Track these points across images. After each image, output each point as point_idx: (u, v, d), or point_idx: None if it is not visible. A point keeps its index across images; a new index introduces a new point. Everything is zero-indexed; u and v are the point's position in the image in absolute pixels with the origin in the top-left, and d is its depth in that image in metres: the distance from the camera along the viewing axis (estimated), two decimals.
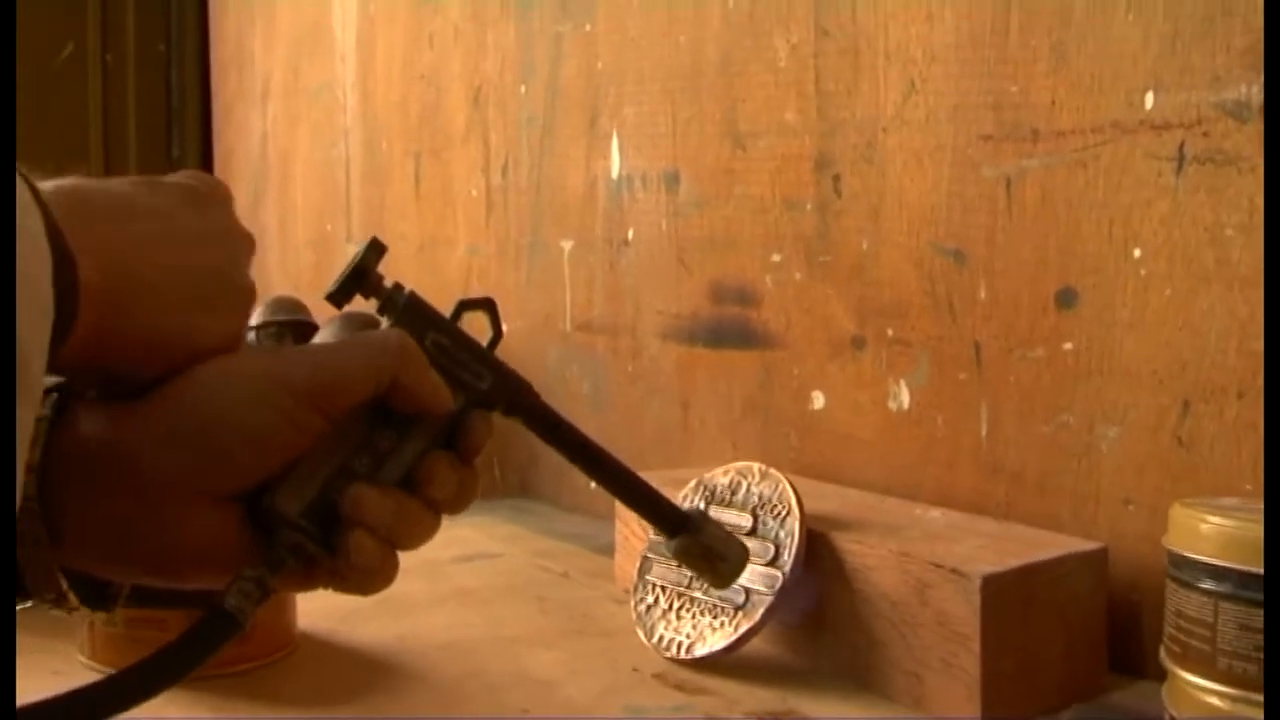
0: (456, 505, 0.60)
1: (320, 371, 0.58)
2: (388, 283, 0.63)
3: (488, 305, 0.67)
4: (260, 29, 2.54)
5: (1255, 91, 0.82)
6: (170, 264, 0.56)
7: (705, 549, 0.67)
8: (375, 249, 0.62)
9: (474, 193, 1.67)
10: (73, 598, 0.59)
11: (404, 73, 1.91)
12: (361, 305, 0.65)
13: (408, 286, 0.62)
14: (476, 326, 0.65)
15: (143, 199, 0.58)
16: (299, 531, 0.55)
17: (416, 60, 1.87)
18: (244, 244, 0.62)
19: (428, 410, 0.59)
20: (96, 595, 0.61)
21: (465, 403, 0.61)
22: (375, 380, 0.58)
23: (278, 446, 0.56)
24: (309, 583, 0.58)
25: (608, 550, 1.19)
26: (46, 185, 0.52)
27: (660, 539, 0.98)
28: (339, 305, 0.63)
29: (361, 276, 0.62)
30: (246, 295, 0.61)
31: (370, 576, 0.57)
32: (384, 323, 0.63)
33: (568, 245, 1.50)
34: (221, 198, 0.63)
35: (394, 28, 1.96)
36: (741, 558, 0.68)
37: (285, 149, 2.43)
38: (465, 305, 0.65)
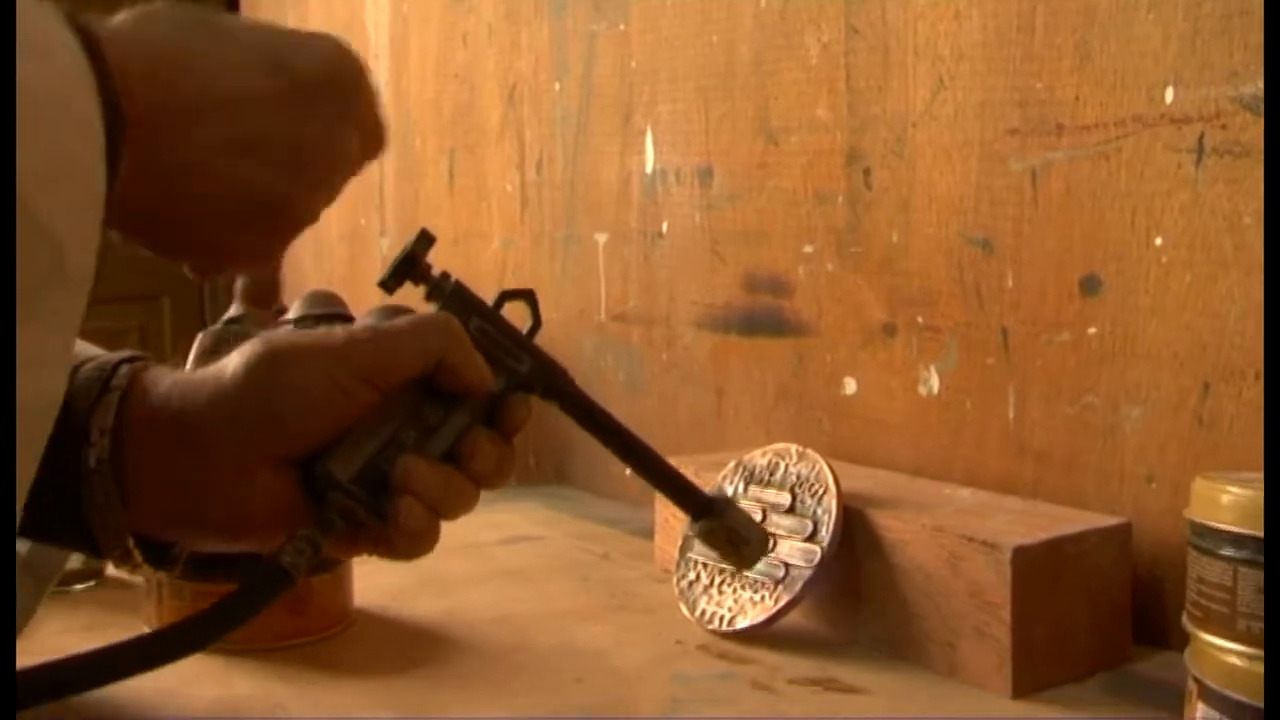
0: (496, 479, 0.65)
1: (374, 348, 0.63)
2: (435, 271, 0.67)
3: (528, 296, 0.71)
4: (292, 27, 2.57)
5: None
6: (214, 177, 0.57)
7: (730, 532, 0.71)
8: (425, 239, 0.67)
9: (509, 188, 1.71)
10: (138, 555, 0.64)
11: (437, 71, 1.96)
12: (409, 293, 0.69)
13: (454, 275, 0.67)
14: (517, 316, 0.69)
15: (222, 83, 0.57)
16: (349, 496, 0.60)
17: (450, 59, 1.91)
18: (321, 163, 0.62)
19: (471, 389, 0.64)
20: (159, 556, 0.66)
21: (506, 384, 0.66)
22: (424, 358, 0.63)
23: (332, 417, 0.61)
24: (356, 547, 0.64)
25: (645, 534, 1.23)
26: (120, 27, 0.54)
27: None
28: (390, 291, 0.68)
29: (412, 264, 0.67)
30: (289, 222, 0.63)
31: (415, 541, 0.62)
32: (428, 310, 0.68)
33: (602, 238, 1.54)
34: (340, 92, 0.61)
35: (427, 27, 2.00)
36: (763, 541, 0.73)
37: None
38: (507, 295, 0.70)
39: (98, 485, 0.61)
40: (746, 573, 0.96)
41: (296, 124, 0.59)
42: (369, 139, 0.64)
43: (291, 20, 2.57)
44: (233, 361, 0.62)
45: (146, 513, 0.63)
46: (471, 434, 0.64)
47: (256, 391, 0.61)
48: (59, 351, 0.48)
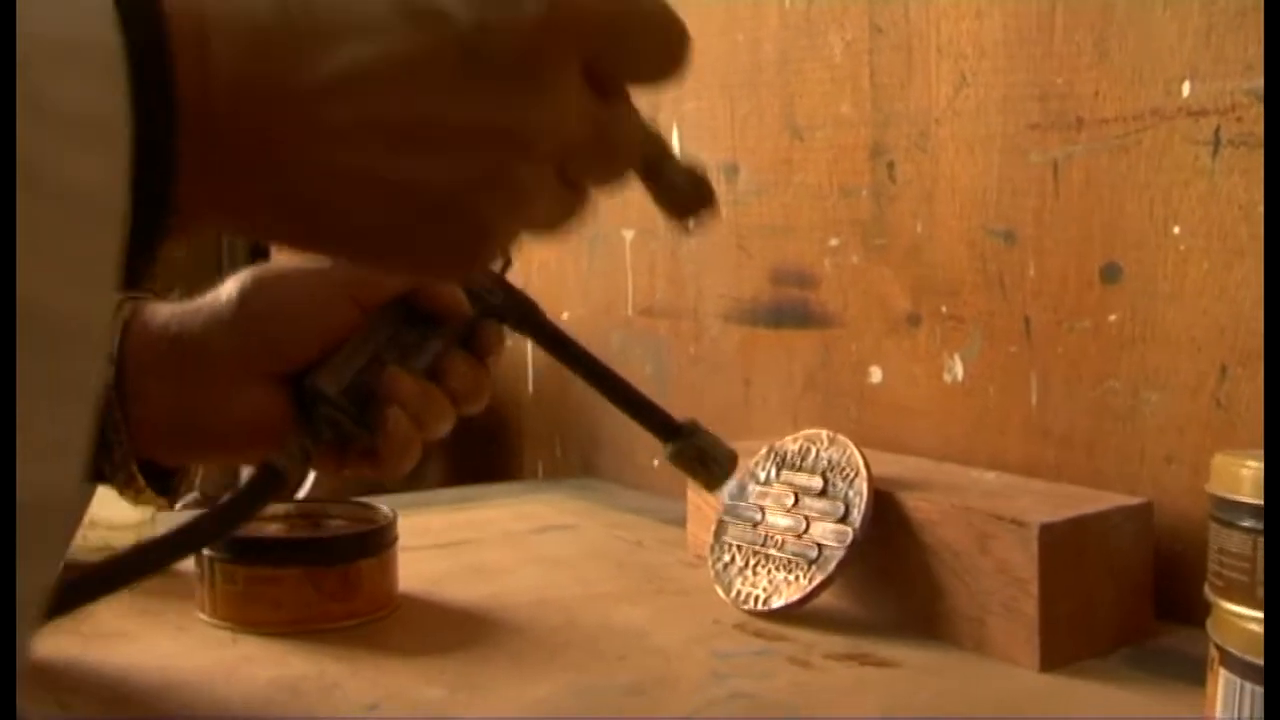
0: (472, 400, 0.70)
1: (346, 273, 0.68)
2: None
3: None
4: None
5: None
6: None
7: (699, 451, 0.75)
8: None
9: None
10: (141, 480, 0.68)
11: None
12: None
13: None
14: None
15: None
16: (336, 408, 0.65)
17: None
18: (502, 149, 0.45)
19: (447, 312, 0.69)
20: (161, 484, 0.70)
21: (479, 311, 0.71)
22: (398, 280, 0.68)
23: (319, 334, 0.67)
24: (344, 461, 0.67)
25: (675, 522, 1.27)
26: None
27: (730, 503, 1.07)
28: None
29: None
30: (475, 234, 0.48)
31: (400, 450, 0.66)
32: None
33: (629, 234, 1.57)
34: (543, 52, 0.45)
35: None
36: (731, 461, 0.76)
37: None
38: None
39: (104, 412, 0.66)
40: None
41: (468, 100, 0.43)
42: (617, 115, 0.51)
43: None
44: (227, 287, 0.67)
45: (149, 435, 0.67)
46: (449, 356, 0.69)
47: (249, 313, 0.66)
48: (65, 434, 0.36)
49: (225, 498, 0.61)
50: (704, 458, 0.76)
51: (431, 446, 0.68)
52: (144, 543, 0.58)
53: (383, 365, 0.66)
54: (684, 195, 0.70)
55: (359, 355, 0.66)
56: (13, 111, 0.33)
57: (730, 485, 1.08)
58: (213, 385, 0.67)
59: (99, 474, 0.68)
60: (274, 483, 0.61)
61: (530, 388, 1.81)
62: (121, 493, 0.70)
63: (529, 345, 1.80)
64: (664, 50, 0.50)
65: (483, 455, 1.92)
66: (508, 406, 1.89)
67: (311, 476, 1.85)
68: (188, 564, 1.02)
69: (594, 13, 0.46)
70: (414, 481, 1.82)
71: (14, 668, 0.34)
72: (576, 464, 1.72)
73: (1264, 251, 0.91)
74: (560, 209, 0.51)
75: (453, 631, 0.98)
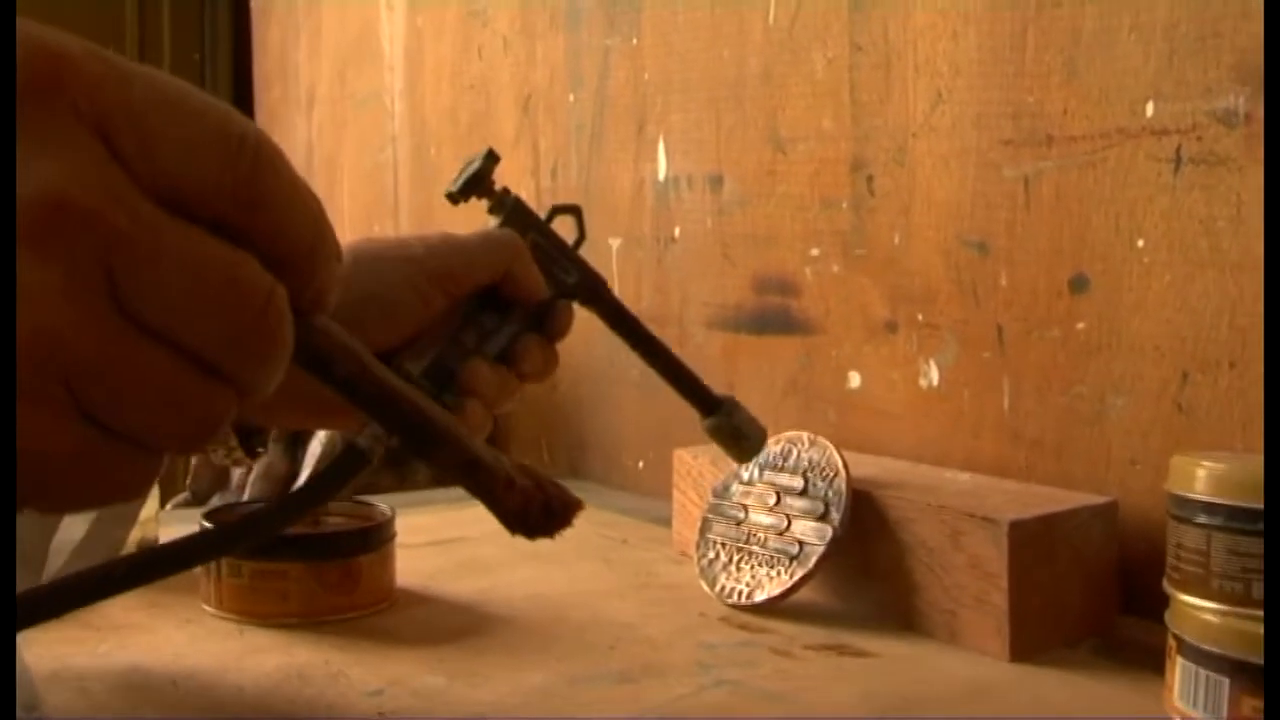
0: (542, 378, 0.76)
1: (450, 260, 0.72)
2: (497, 187, 0.76)
3: (575, 211, 0.81)
4: (305, 40, 2.64)
5: (1242, 101, 0.94)
6: None
7: (734, 428, 0.81)
8: (491, 158, 0.76)
9: (524, 194, 1.79)
10: (233, 439, 0.73)
11: (453, 83, 2.03)
12: (475, 206, 0.77)
13: (514, 192, 0.76)
14: (565, 229, 0.78)
15: None
16: (419, 388, 0.69)
17: (465, 71, 1.99)
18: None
19: (528, 298, 0.73)
20: (249, 441, 0.75)
21: (554, 293, 0.75)
22: (493, 270, 0.73)
23: (409, 318, 0.71)
24: None
25: (660, 521, 1.31)
26: None
27: (715, 501, 1.11)
28: (455, 203, 0.77)
29: (480, 180, 0.76)
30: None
31: (477, 431, 0.71)
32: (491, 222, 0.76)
33: (616, 243, 1.62)
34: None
35: (442, 40, 2.07)
36: (761, 437, 0.82)
37: (331, 155, 2.55)
38: (557, 210, 0.80)
39: None
40: (762, 550, 1.04)
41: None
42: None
43: (305, 34, 2.65)
44: None
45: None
46: (523, 339, 0.73)
47: (347, 295, 0.70)
48: None
49: (312, 477, 0.63)
50: (738, 433, 0.82)
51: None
52: (238, 518, 0.59)
53: (462, 349, 0.71)
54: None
55: (441, 338, 0.71)
56: (12, 110, 0.35)
57: (715, 482, 1.13)
58: None
59: None
60: (358, 461, 0.64)
61: None
62: (213, 452, 0.74)
63: None
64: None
65: None
66: None
67: (304, 475, 1.90)
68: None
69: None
70: (404, 482, 1.86)
71: (14, 667, 0.35)
72: (564, 466, 1.76)
73: (1264, 257, 0.96)
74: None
75: (449, 623, 1.02)
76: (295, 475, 1.94)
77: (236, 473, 2.13)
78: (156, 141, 0.38)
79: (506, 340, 0.73)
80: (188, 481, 2.12)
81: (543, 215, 0.80)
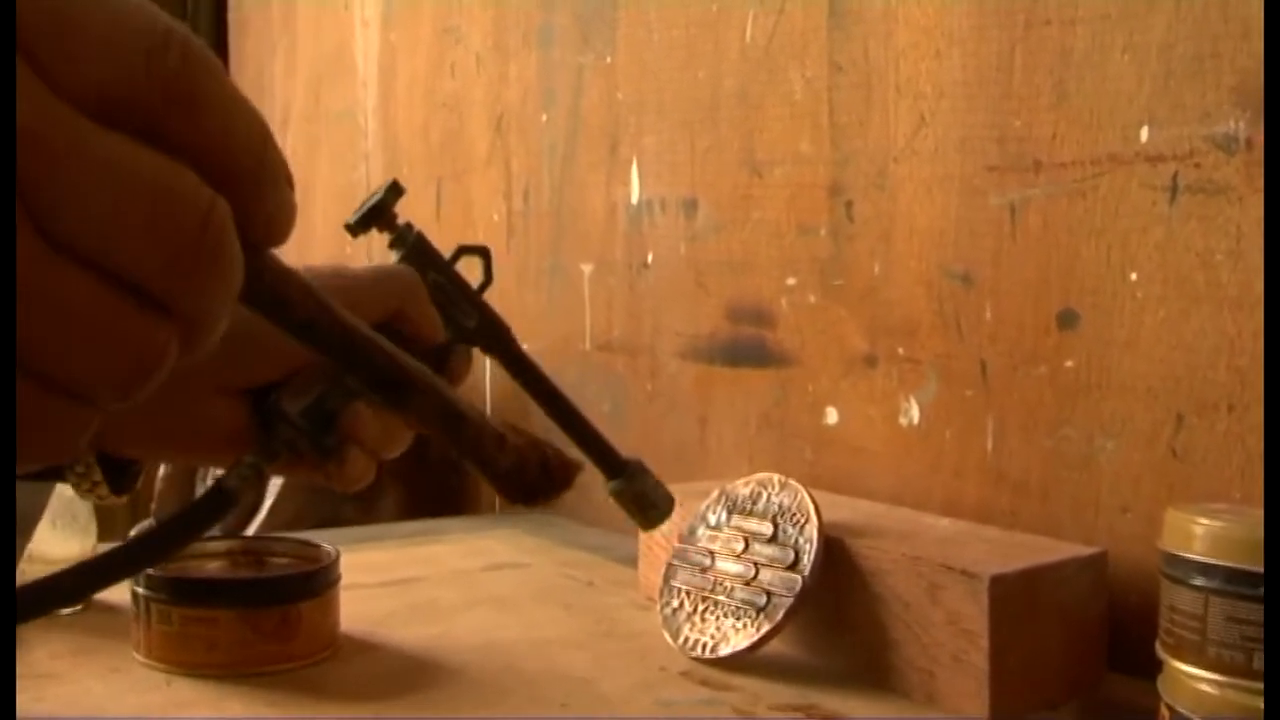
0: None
1: (334, 293, 0.66)
2: (400, 221, 0.70)
3: (482, 252, 0.75)
4: (281, 57, 2.60)
5: (1243, 126, 0.88)
6: None
7: (638, 494, 0.74)
8: (394, 190, 0.71)
9: (495, 217, 1.73)
10: (99, 473, 0.68)
11: (426, 100, 1.98)
12: (374, 239, 0.72)
13: (416, 227, 0.70)
14: (470, 271, 0.72)
15: None
16: (295, 429, 0.63)
17: (438, 88, 1.93)
18: None
19: (422, 339, 0.67)
20: (117, 478, 0.70)
21: (452, 337, 0.69)
22: (384, 308, 0.67)
23: (286, 355, 0.65)
24: (296, 472, 0.66)
25: (628, 561, 1.25)
26: None
27: (680, 546, 1.05)
28: (355, 235, 0.71)
29: (380, 213, 0.70)
30: None
31: (354, 483, 0.65)
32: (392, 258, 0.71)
33: (588, 268, 1.56)
34: None
35: (415, 57, 2.02)
36: (668, 506, 0.75)
37: (305, 174, 2.49)
38: (463, 250, 0.74)
39: None
40: (728, 600, 0.98)
41: None
42: None
43: (280, 50, 2.60)
44: None
45: (106, 432, 0.65)
46: None
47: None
48: None
49: (172, 515, 0.59)
50: (642, 501, 0.75)
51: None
52: (83, 562, 0.57)
53: (345, 390, 0.65)
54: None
55: (324, 377, 0.65)
56: (13, 111, 0.32)
57: (681, 526, 1.07)
58: (175, 393, 0.65)
59: (56, 470, 0.67)
60: (223, 503, 0.60)
61: None
62: (76, 486, 0.69)
63: (487, 376, 1.78)
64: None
65: (441, 486, 1.90)
66: None
67: (268, 505, 1.84)
68: (127, 601, 1.00)
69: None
70: (370, 514, 1.80)
71: (13, 667, 0.35)
72: None
73: (1264, 291, 0.90)
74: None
75: (392, 676, 0.96)
76: (259, 506, 1.89)
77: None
78: (72, 41, 0.33)
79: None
80: (153, 507, 2.07)
81: (447, 255, 0.74)
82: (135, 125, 0.34)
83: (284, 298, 0.44)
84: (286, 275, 0.44)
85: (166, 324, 0.36)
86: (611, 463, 0.75)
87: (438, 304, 0.69)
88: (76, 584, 0.56)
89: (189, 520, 0.59)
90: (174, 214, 0.35)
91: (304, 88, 2.50)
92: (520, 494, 0.53)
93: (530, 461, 0.52)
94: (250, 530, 1.72)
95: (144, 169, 0.34)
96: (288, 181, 0.40)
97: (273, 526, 1.72)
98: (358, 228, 0.71)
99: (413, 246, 0.71)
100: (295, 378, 0.65)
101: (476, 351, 0.73)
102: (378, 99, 2.16)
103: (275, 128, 2.58)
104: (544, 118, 1.65)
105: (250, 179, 0.38)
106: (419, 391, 0.49)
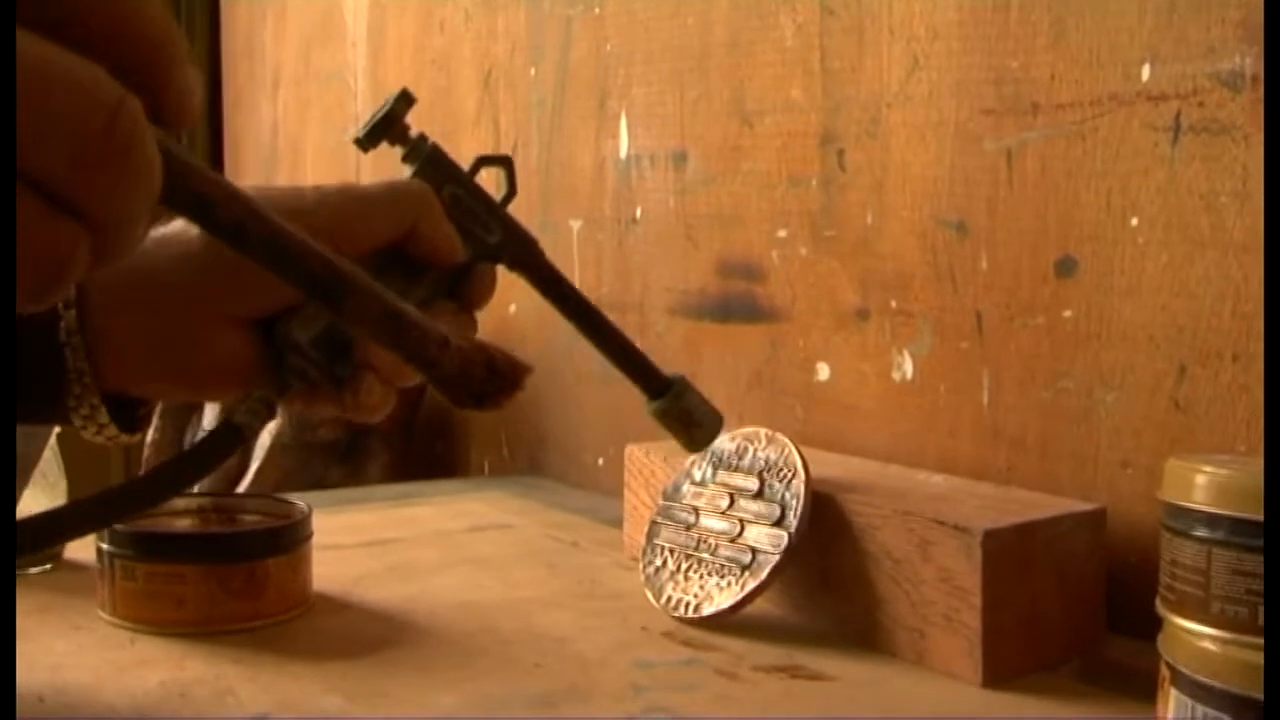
0: None
1: (344, 211, 0.62)
2: (413, 133, 0.66)
3: (505, 162, 0.70)
4: (271, 19, 2.56)
5: (1249, 62, 0.84)
6: None
7: (684, 413, 0.70)
8: (405, 99, 0.66)
9: (484, 174, 1.69)
10: (104, 414, 0.65)
11: (415, 58, 1.94)
12: (386, 152, 0.67)
13: (431, 138, 0.65)
14: (492, 183, 0.68)
15: None
16: (306, 359, 0.60)
17: (427, 46, 1.89)
18: None
19: (439, 260, 0.63)
20: (126, 419, 0.66)
21: (473, 255, 0.65)
22: (397, 226, 0.63)
23: None
24: (312, 407, 0.63)
25: (616, 523, 1.21)
26: None
27: (664, 504, 1.01)
28: (365, 149, 0.66)
29: (391, 124, 0.65)
30: None
31: (371, 413, 0.62)
32: (406, 171, 0.66)
33: (576, 225, 1.52)
34: None
35: (404, 14, 1.98)
36: (716, 425, 0.71)
37: (296, 135, 2.46)
38: (484, 161, 0.69)
39: (70, 357, 0.62)
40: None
41: None
42: None
43: (270, 13, 2.56)
44: None
45: (114, 370, 0.63)
46: (434, 307, 0.63)
47: (221, 250, 0.61)
48: None
49: (182, 452, 0.57)
50: (688, 418, 0.71)
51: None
52: (89, 497, 0.54)
53: None
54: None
55: None
56: (13, 112, 0.32)
57: (666, 483, 1.03)
58: (181, 324, 0.62)
59: (64, 415, 0.64)
60: (233, 439, 0.58)
61: None
62: (83, 429, 0.66)
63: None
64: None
65: (429, 452, 1.86)
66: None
67: (254, 468, 1.80)
68: (89, 557, 0.97)
69: None
70: (357, 478, 1.77)
71: (13, 666, 0.36)
72: (523, 462, 1.67)
73: (1264, 246, 0.86)
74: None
75: (364, 635, 0.93)
76: (245, 467, 1.86)
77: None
78: None
79: (413, 305, 0.63)
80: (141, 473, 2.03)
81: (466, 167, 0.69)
82: (37, 18, 0.33)
83: (208, 199, 0.42)
84: (210, 177, 0.42)
85: (74, 226, 0.34)
86: (654, 381, 0.71)
87: (456, 220, 0.65)
88: (82, 517, 0.54)
89: (198, 456, 0.56)
90: (79, 110, 0.33)
91: (294, 51, 2.46)
92: (467, 396, 0.51)
93: (476, 363, 0.50)
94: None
95: (48, 65, 0.33)
96: (192, 65, 0.38)
97: (259, 489, 1.69)
98: (367, 141, 0.66)
99: (428, 158, 0.66)
100: (306, 305, 0.61)
101: (501, 271, 0.69)
102: (367, 60, 2.12)
103: (266, 91, 2.55)
104: (532, 72, 1.60)
105: (153, 59, 0.36)
106: (356, 293, 0.46)
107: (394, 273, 0.63)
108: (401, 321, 0.48)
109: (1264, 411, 0.84)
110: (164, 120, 0.37)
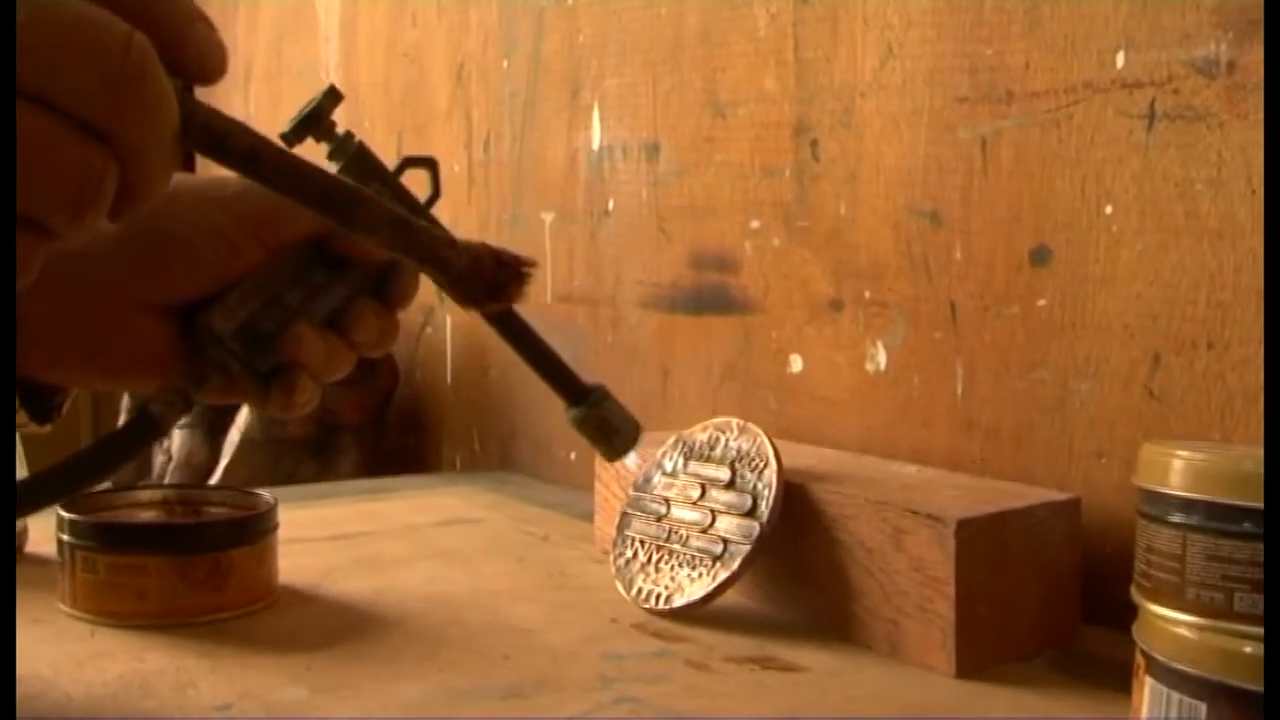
0: (376, 350, 0.65)
1: (268, 203, 0.61)
2: (339, 130, 0.64)
3: (429, 164, 0.69)
4: (243, 12, 2.54)
5: (1224, 49, 0.84)
6: None
7: (602, 421, 0.68)
8: (332, 95, 0.64)
9: (456, 168, 1.68)
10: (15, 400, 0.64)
11: (387, 52, 1.92)
12: (312, 149, 0.65)
13: (358, 136, 0.64)
14: (418, 184, 0.66)
15: None
16: (227, 351, 0.59)
17: (399, 39, 1.88)
18: None
19: (362, 256, 0.62)
20: (41, 409, 0.66)
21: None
22: (313, 222, 0.61)
23: (215, 269, 0.60)
24: (229, 397, 0.62)
25: (587, 517, 1.20)
26: None
27: (635, 494, 1.00)
28: (291, 144, 0.64)
29: (317, 120, 0.64)
30: None
31: (298, 409, 0.61)
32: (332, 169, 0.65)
33: (549, 218, 1.51)
34: None
35: (377, 8, 1.96)
36: (634, 434, 0.70)
37: (268, 130, 2.42)
38: (409, 162, 0.68)
39: None
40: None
41: None
42: None
43: (243, 6, 2.54)
44: None
45: (23, 353, 0.61)
46: (357, 304, 0.63)
47: (139, 235, 0.59)
48: None
49: (96, 442, 0.55)
50: (606, 427, 0.69)
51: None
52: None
53: (283, 308, 0.60)
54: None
55: (258, 294, 0.60)
56: (13, 111, 0.37)
57: (638, 474, 1.02)
58: (96, 309, 0.60)
59: None
60: (148, 430, 0.56)
61: (449, 378, 1.74)
62: None
63: (448, 334, 1.73)
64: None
65: (400, 448, 1.85)
66: (426, 398, 1.82)
67: (223, 464, 1.79)
68: (52, 550, 0.95)
69: None
70: (328, 473, 1.75)
71: (13, 666, 0.39)
72: (495, 457, 1.65)
73: (1264, 237, 0.85)
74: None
75: (326, 628, 0.91)
76: (216, 463, 1.84)
77: (158, 461, 2.03)
78: None
79: (338, 303, 0.62)
80: None
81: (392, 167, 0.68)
82: None
83: (222, 131, 0.46)
84: (220, 114, 0.46)
85: (103, 148, 0.40)
86: (572, 388, 0.70)
87: None
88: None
89: (111, 446, 0.55)
90: (97, 40, 0.39)
91: (266, 45, 2.45)
92: (483, 290, 0.52)
93: (484, 257, 0.52)
94: None
95: (62, 7, 0.38)
96: (201, 18, 0.43)
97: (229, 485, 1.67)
98: (292, 136, 0.65)
99: (353, 157, 0.65)
100: (227, 294, 0.60)
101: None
102: (340, 55, 2.10)
103: (238, 85, 2.53)
104: (505, 64, 1.59)
105: (167, 18, 0.42)
106: (366, 204, 0.49)
107: (320, 266, 0.62)
108: (410, 226, 0.50)
109: (1264, 399, 0.83)
110: (184, 74, 0.43)
